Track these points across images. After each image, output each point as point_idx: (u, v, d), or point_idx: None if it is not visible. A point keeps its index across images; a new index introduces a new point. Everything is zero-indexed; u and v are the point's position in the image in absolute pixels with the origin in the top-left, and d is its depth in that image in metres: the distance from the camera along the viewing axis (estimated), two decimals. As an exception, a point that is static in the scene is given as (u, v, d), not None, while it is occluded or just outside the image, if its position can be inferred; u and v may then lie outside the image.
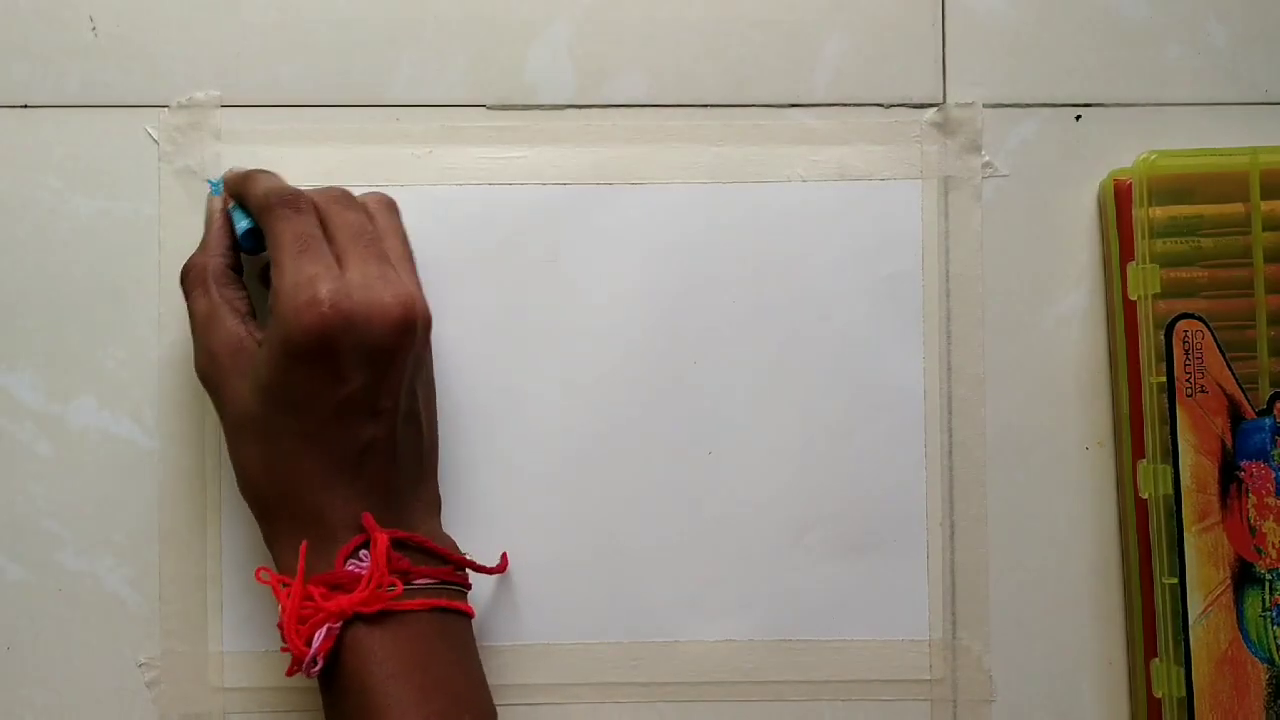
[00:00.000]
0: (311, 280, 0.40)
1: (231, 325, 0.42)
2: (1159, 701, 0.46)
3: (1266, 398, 0.45)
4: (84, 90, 0.48)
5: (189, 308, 0.43)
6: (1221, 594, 0.45)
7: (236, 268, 0.44)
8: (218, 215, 0.45)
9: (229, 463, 0.47)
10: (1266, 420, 0.45)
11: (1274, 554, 0.45)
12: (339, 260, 0.41)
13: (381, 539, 0.41)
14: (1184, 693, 0.45)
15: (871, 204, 0.48)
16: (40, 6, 0.48)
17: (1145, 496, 0.46)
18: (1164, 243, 0.46)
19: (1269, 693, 0.45)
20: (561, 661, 0.47)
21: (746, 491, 0.48)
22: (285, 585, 0.41)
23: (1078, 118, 0.49)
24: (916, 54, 0.49)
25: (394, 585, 0.41)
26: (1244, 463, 0.46)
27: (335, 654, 0.40)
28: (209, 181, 0.47)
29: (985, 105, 0.49)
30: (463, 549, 0.45)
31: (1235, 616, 0.45)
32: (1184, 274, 0.46)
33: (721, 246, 0.48)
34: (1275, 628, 0.45)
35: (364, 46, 0.48)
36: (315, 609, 0.40)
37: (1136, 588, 0.47)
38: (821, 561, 0.48)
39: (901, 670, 0.47)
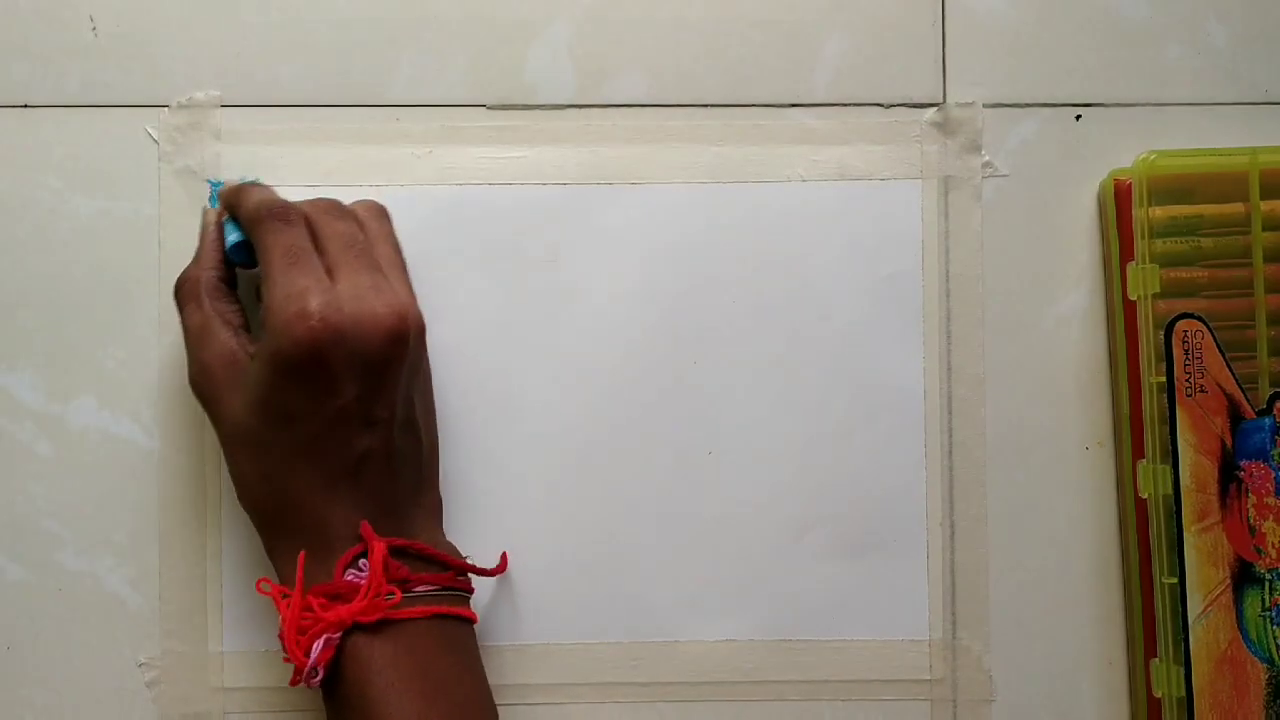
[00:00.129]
0: (302, 293, 0.40)
1: (224, 338, 0.42)
2: (1159, 701, 0.46)
3: (1266, 398, 0.45)
4: (84, 90, 0.48)
5: (182, 321, 0.43)
6: (1221, 594, 0.45)
7: (230, 281, 0.44)
8: (211, 228, 0.45)
9: (229, 464, 0.47)
10: (1266, 420, 0.45)
11: (1274, 554, 0.45)
12: (330, 271, 0.41)
13: (379, 547, 0.41)
14: (1184, 692, 0.45)
15: (871, 204, 0.48)
16: (40, 6, 0.48)
17: (1145, 496, 0.46)
18: (1164, 243, 0.46)
19: (1269, 693, 0.45)
20: (561, 661, 0.47)
21: (746, 491, 0.48)
22: (286, 596, 0.41)
23: (1078, 118, 0.49)
24: (916, 54, 0.49)
25: (392, 594, 0.41)
26: (1244, 462, 0.46)
27: (336, 664, 0.40)
28: (209, 181, 0.47)
29: (985, 105, 0.49)
30: (462, 551, 0.45)
31: (1235, 616, 0.45)
32: (1184, 274, 0.46)
33: (721, 246, 0.48)
34: (1275, 628, 0.45)
35: (364, 46, 0.48)
36: (315, 619, 0.40)
37: (1136, 588, 0.47)
38: (821, 561, 0.48)
39: (901, 670, 0.47)
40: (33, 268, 0.47)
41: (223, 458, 0.46)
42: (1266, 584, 0.45)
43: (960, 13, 0.49)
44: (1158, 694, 0.46)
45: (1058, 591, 0.48)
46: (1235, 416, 0.46)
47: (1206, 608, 0.45)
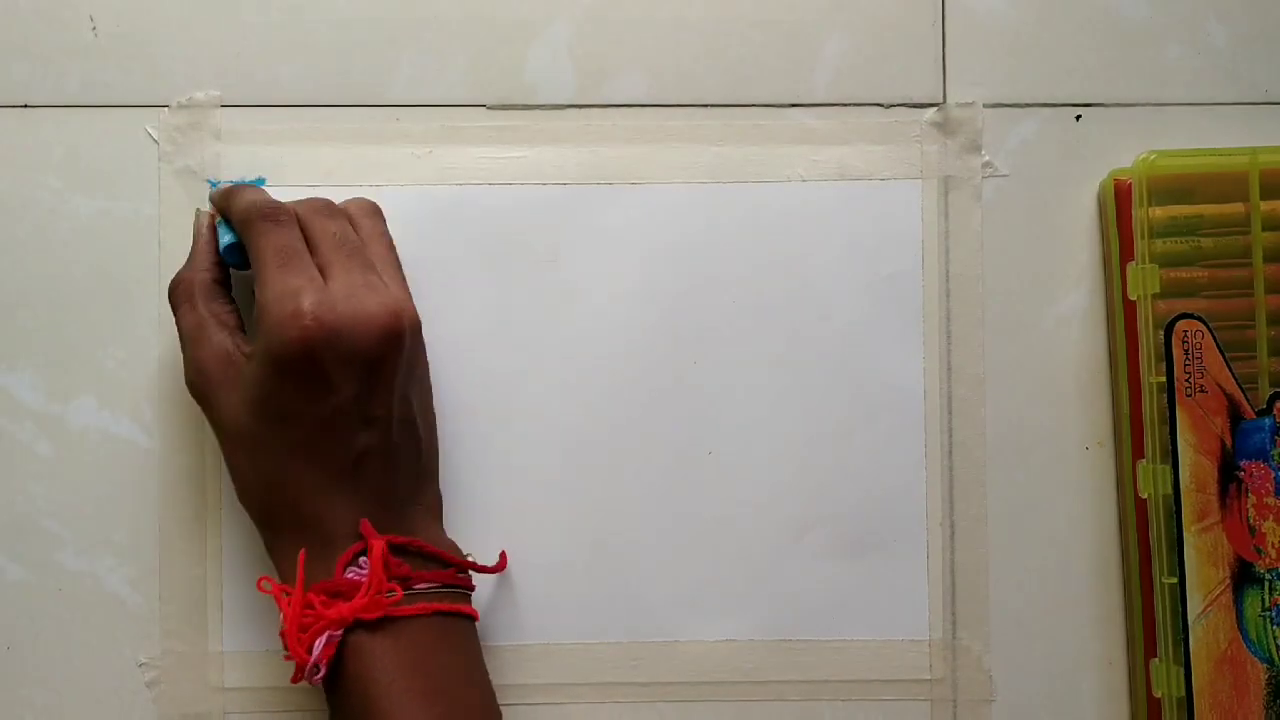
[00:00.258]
0: (294, 293, 0.40)
1: (219, 339, 0.42)
2: (1159, 701, 0.46)
3: (1266, 398, 0.45)
4: (84, 90, 0.48)
5: (177, 323, 0.43)
6: (1221, 594, 0.45)
7: (224, 282, 0.44)
8: (204, 230, 0.45)
9: (229, 463, 0.47)
10: (1266, 420, 0.45)
11: (1273, 554, 0.45)
12: (323, 271, 0.41)
13: (378, 545, 0.41)
14: (1183, 692, 0.45)
15: (871, 204, 0.48)
16: (40, 6, 0.48)
17: (1145, 496, 0.46)
18: (1164, 243, 0.46)
19: (1268, 692, 0.45)
20: (561, 661, 0.47)
21: (746, 491, 0.48)
22: (287, 594, 0.41)
23: (1078, 118, 0.49)
24: (916, 54, 0.49)
25: (393, 591, 0.41)
26: (1243, 462, 0.46)
27: (338, 661, 0.40)
28: (209, 181, 0.47)
29: (985, 105, 0.49)
30: (462, 549, 0.45)
31: (1235, 616, 0.45)
32: (1184, 274, 0.46)
33: (721, 246, 0.48)
34: (1275, 627, 0.45)
35: (364, 46, 0.48)
36: (316, 617, 0.40)
37: (1136, 588, 0.47)
38: (821, 561, 0.48)
39: (901, 670, 0.47)
40: (33, 268, 0.47)
41: (223, 458, 0.47)
42: (1266, 584, 0.45)
43: (960, 13, 0.49)
44: (1158, 694, 0.46)
45: (1058, 591, 0.48)
46: (1235, 416, 0.46)
47: (1206, 608, 0.45)
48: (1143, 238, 0.46)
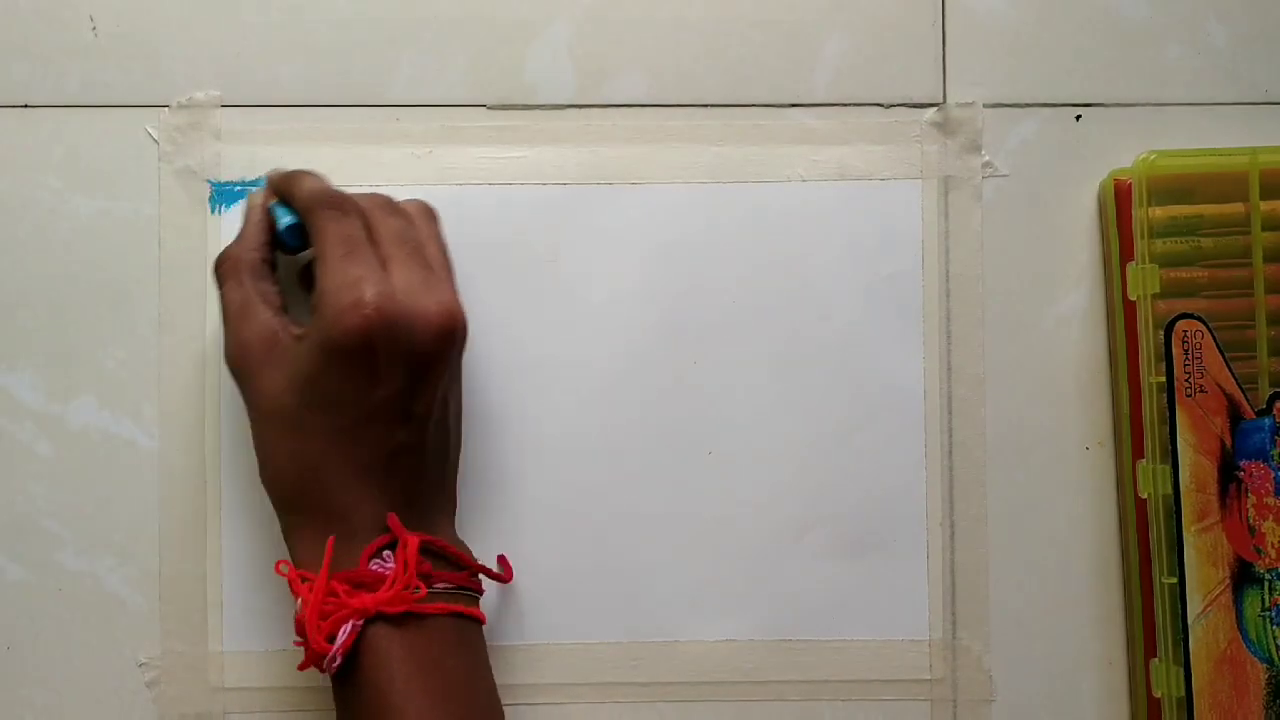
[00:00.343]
0: (357, 282, 0.40)
1: (265, 317, 0.42)
2: (1158, 701, 0.46)
3: (1266, 398, 0.45)
4: (84, 90, 0.48)
5: (222, 297, 0.43)
6: (1221, 594, 0.45)
7: (271, 263, 0.44)
8: (257, 209, 0.45)
9: (229, 463, 0.47)
10: (1266, 420, 0.45)
11: (1273, 554, 0.45)
12: (383, 265, 0.41)
13: (413, 542, 0.41)
14: (1183, 692, 0.45)
15: (871, 204, 0.48)
16: (40, 6, 0.48)
17: (1145, 496, 0.46)
18: (1164, 243, 0.46)
19: (1268, 692, 0.45)
20: (561, 661, 0.47)
21: (746, 491, 0.48)
22: (305, 580, 0.41)
23: (1078, 118, 0.49)
24: (916, 54, 0.49)
25: (418, 588, 0.41)
26: (1243, 463, 0.46)
27: (353, 652, 0.40)
28: (209, 181, 0.47)
29: (985, 105, 0.49)
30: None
31: (1234, 616, 0.45)
32: (1184, 274, 0.46)
33: (721, 246, 0.48)
34: (1274, 627, 0.45)
35: (364, 46, 0.48)
36: (339, 605, 0.40)
37: (1136, 587, 0.47)
38: (821, 561, 0.48)
39: (901, 670, 0.47)
40: (33, 268, 0.47)
41: (223, 457, 0.47)
42: (1266, 584, 0.45)
43: (960, 13, 0.49)
44: (1157, 694, 0.46)
45: (1058, 591, 0.48)
46: (1235, 416, 0.46)
47: (1206, 608, 0.45)
48: (1143, 238, 0.46)
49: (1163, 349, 0.46)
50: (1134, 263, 0.46)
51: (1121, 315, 0.47)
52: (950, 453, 0.48)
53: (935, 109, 0.49)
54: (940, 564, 0.48)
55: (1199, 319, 0.46)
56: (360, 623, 0.40)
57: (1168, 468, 0.45)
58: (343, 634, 0.40)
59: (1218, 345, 0.45)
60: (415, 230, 0.44)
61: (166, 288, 0.47)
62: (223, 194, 0.48)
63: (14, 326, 0.47)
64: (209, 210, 0.48)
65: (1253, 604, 0.45)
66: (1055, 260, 0.48)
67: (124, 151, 0.48)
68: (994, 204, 0.49)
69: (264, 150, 0.48)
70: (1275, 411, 0.45)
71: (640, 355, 0.48)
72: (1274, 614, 0.45)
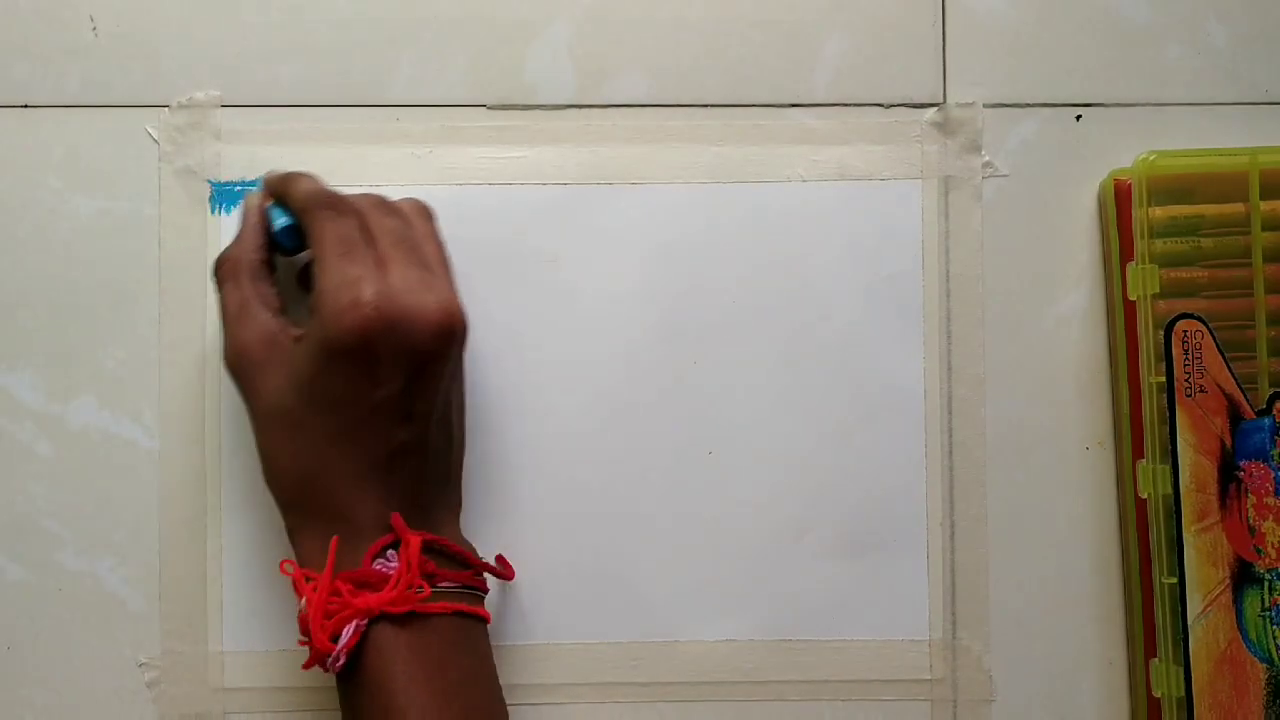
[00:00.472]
0: (355, 282, 0.40)
1: (264, 319, 0.42)
2: (1158, 701, 0.46)
3: (1266, 398, 0.45)
4: (84, 90, 0.48)
5: (221, 299, 0.43)
6: (1221, 594, 0.45)
7: (269, 264, 0.44)
8: (254, 211, 0.45)
9: (229, 463, 0.47)
10: (1266, 420, 0.45)
11: (1273, 554, 0.45)
12: (380, 264, 0.41)
13: (415, 541, 0.41)
14: (1183, 692, 0.45)
15: (871, 204, 0.48)
16: (40, 6, 0.48)
17: (1145, 496, 0.46)
18: (1164, 243, 0.46)
19: (1268, 692, 0.45)
20: (561, 661, 0.47)
21: (746, 491, 0.48)
22: (309, 580, 0.41)
23: (1078, 118, 0.49)
24: (916, 54, 0.49)
25: (422, 588, 0.41)
26: (1243, 463, 0.46)
27: (357, 652, 0.41)
28: (210, 182, 0.47)
29: (985, 105, 0.49)
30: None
31: (1234, 616, 0.45)
32: (1184, 274, 0.46)
33: (721, 246, 0.48)
34: (1274, 627, 0.45)
35: (364, 46, 0.48)
36: (343, 605, 0.40)
37: (1136, 587, 0.47)
38: (821, 561, 0.48)
39: (901, 670, 0.47)
40: (33, 268, 0.47)
41: (223, 458, 0.47)
42: (1266, 584, 0.45)
43: (960, 13, 0.49)
44: (1157, 694, 0.46)
45: (1058, 591, 0.48)
46: (1235, 416, 0.46)
47: (1206, 608, 0.45)
48: (1143, 238, 0.46)
49: (1163, 349, 0.46)
50: (1134, 263, 0.46)
51: (1121, 315, 0.47)
52: (950, 453, 0.48)
53: (935, 109, 0.49)
54: (940, 564, 0.48)
55: (1199, 319, 0.46)
56: (364, 623, 0.40)
57: (1168, 468, 0.46)
58: (346, 634, 0.40)
59: (1218, 345, 0.45)
60: (412, 229, 0.44)
61: (166, 288, 0.47)
62: (223, 194, 0.48)
63: (14, 326, 0.47)
64: (209, 210, 0.48)
65: (1253, 604, 0.45)
66: (1055, 260, 0.48)
67: (124, 151, 0.48)
68: (994, 204, 0.49)
69: (264, 150, 0.48)
70: (1275, 411, 0.45)
71: (640, 355, 0.48)
72: (1274, 614, 0.45)
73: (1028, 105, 0.49)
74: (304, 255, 0.44)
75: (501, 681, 0.44)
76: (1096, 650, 0.48)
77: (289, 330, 0.42)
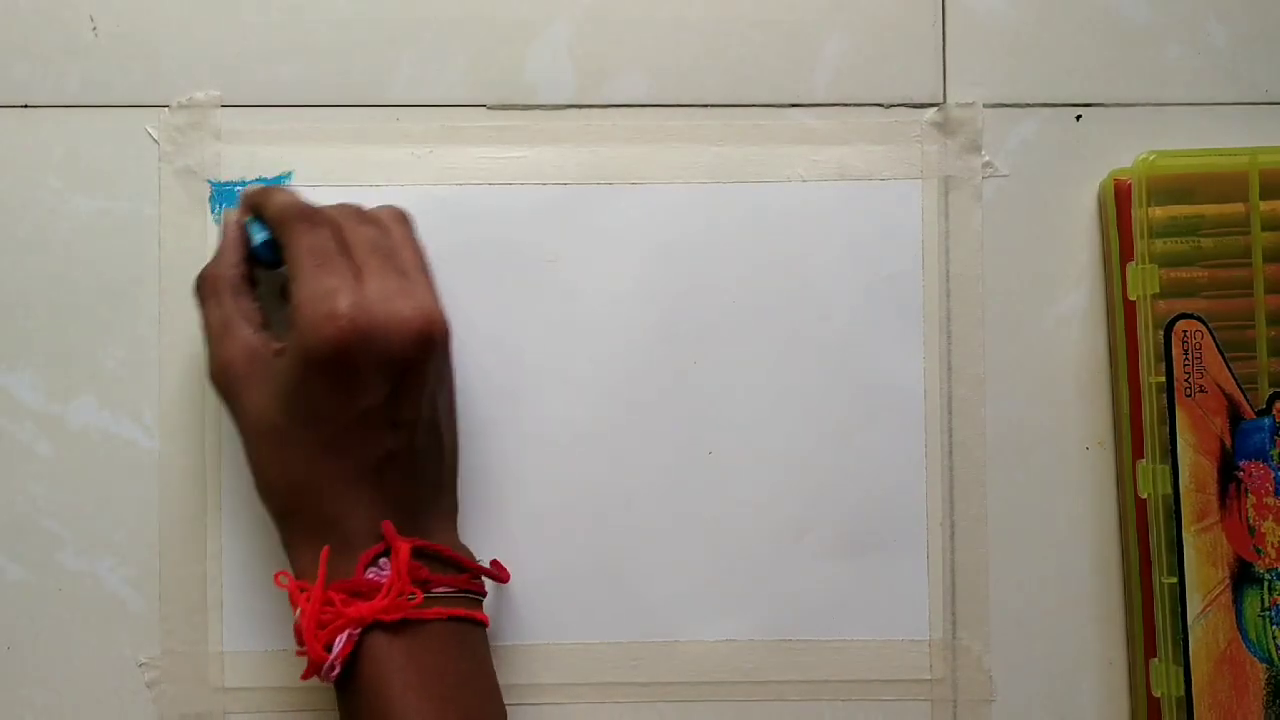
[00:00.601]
0: (331, 293, 0.40)
1: (246, 335, 0.42)
2: (1158, 701, 0.46)
3: (1266, 398, 0.45)
4: (84, 90, 0.48)
5: (203, 317, 0.43)
6: (1220, 594, 0.45)
7: (250, 279, 0.44)
8: (233, 227, 0.45)
9: (229, 463, 0.47)
10: (1266, 420, 0.45)
11: (1273, 554, 0.45)
12: (357, 274, 0.41)
13: (403, 548, 0.41)
14: (1183, 692, 0.45)
15: (871, 204, 0.48)
16: (40, 6, 0.48)
17: (1145, 496, 0.46)
18: (1164, 243, 0.46)
19: (1268, 692, 0.45)
20: (562, 661, 0.47)
21: (746, 491, 0.48)
22: (304, 590, 0.41)
23: (1078, 118, 0.49)
24: (916, 54, 0.49)
25: (414, 595, 0.41)
26: (1243, 463, 0.46)
27: (353, 661, 0.41)
28: (209, 181, 0.47)
29: (985, 105, 0.49)
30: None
31: (1234, 616, 0.45)
32: (1184, 274, 0.46)
33: (721, 246, 0.48)
34: (1274, 627, 0.45)
35: (364, 46, 0.48)
36: (335, 614, 0.40)
37: (1136, 587, 0.47)
38: (821, 561, 0.48)
39: (901, 670, 0.47)
40: (33, 268, 0.47)
41: (223, 457, 0.47)
42: (1266, 584, 0.45)
43: (960, 13, 0.49)
44: (1157, 694, 0.46)
45: (1058, 591, 0.48)
46: (1235, 416, 0.46)
47: (1206, 607, 0.45)
48: (1142, 238, 0.46)
49: (1162, 349, 0.46)
50: (1134, 263, 0.46)
51: (1121, 315, 0.47)
52: (950, 453, 0.48)
53: (935, 109, 0.49)
54: (940, 564, 0.48)
55: (1199, 319, 0.46)
56: (357, 632, 0.40)
57: (1167, 468, 0.46)
58: (338, 643, 0.40)
59: (1217, 345, 0.46)
60: (388, 237, 0.44)
61: (166, 288, 0.47)
62: (223, 194, 0.48)
63: (14, 326, 0.47)
64: (209, 210, 0.48)
65: (1252, 604, 0.45)
66: (1055, 260, 0.48)
67: (124, 151, 0.48)
68: (994, 204, 0.49)
69: (264, 150, 0.48)
70: (1275, 411, 0.45)
71: (640, 355, 0.48)
72: (1274, 614, 0.45)
73: (1028, 105, 0.49)
74: (285, 269, 0.44)
75: (501, 682, 0.44)
76: (1096, 650, 0.48)
77: (271, 344, 0.42)
